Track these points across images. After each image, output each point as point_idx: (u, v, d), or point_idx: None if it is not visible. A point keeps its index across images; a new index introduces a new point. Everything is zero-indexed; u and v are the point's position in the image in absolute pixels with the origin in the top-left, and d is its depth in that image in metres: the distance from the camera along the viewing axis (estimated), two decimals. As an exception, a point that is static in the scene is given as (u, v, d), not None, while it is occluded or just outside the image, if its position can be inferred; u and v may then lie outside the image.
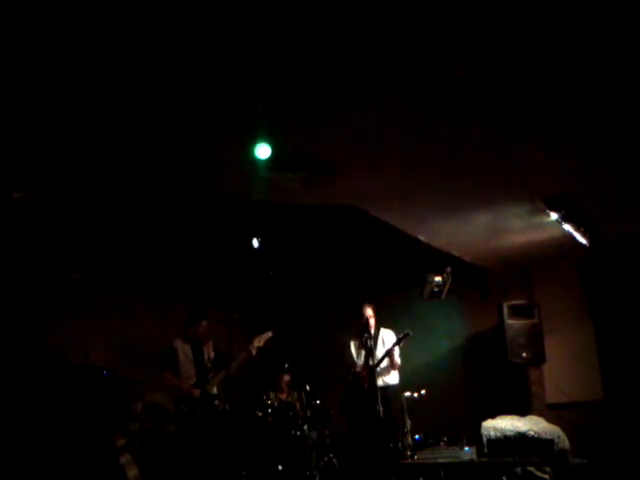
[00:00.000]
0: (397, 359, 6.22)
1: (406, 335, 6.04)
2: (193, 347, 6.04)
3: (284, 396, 7.11)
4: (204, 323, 6.10)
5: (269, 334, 6.16)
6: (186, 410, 5.71)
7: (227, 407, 5.86)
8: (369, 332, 6.15)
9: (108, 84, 3.39)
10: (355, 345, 6.40)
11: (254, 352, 5.96)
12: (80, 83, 3.36)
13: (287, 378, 7.22)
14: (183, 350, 6.00)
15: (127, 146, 4.17)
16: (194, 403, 5.73)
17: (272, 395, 6.96)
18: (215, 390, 5.91)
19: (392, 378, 6.20)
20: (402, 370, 6.35)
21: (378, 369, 6.01)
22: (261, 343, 6.07)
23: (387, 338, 6.30)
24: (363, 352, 6.22)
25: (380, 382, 5.91)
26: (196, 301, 7.68)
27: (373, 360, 5.95)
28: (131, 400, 6.40)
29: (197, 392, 5.78)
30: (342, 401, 6.32)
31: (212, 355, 6.07)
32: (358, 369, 6.21)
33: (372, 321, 6.27)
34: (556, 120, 3.97)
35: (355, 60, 3.23)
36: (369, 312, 6.30)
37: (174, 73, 3.33)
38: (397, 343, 6.08)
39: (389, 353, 6.11)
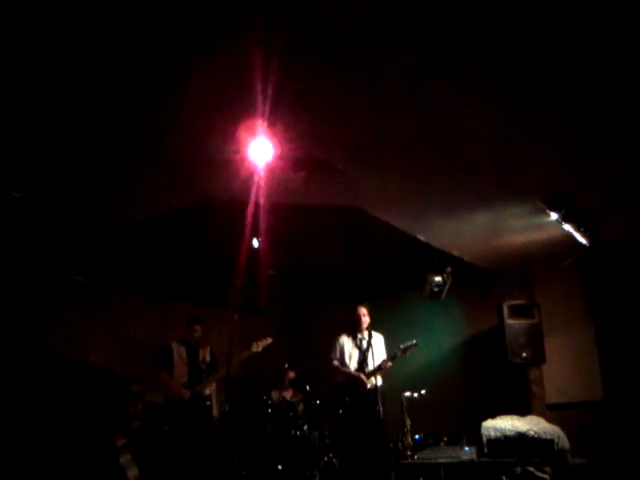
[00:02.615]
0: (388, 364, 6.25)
1: (414, 345, 6.07)
2: (189, 349, 6.11)
3: (289, 394, 7.09)
4: (197, 328, 6.16)
5: (268, 340, 6.20)
6: (174, 410, 5.75)
7: (227, 407, 5.87)
8: (362, 332, 6.20)
9: (108, 84, 3.39)
10: (348, 343, 6.40)
11: (244, 355, 6.00)
12: (80, 81, 3.36)
13: (292, 375, 7.19)
14: (178, 351, 6.07)
15: (128, 147, 4.16)
16: (182, 404, 5.76)
17: (275, 393, 6.96)
18: (208, 391, 5.96)
19: (379, 379, 6.21)
20: (402, 370, 6.37)
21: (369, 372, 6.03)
22: (259, 349, 6.11)
23: (378, 343, 6.31)
24: (355, 353, 6.25)
25: (369, 385, 5.95)
26: (196, 301, 7.69)
27: (367, 364, 5.99)
28: (131, 400, 6.42)
29: (186, 393, 5.82)
30: (331, 399, 6.32)
31: (208, 358, 6.12)
32: (351, 371, 6.20)
33: (365, 320, 6.29)
34: (556, 120, 3.97)
35: (352, 65, 3.24)
36: (362, 311, 6.33)
37: (175, 72, 3.33)
38: (403, 351, 6.09)
39: (386, 362, 6.11)
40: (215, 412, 5.99)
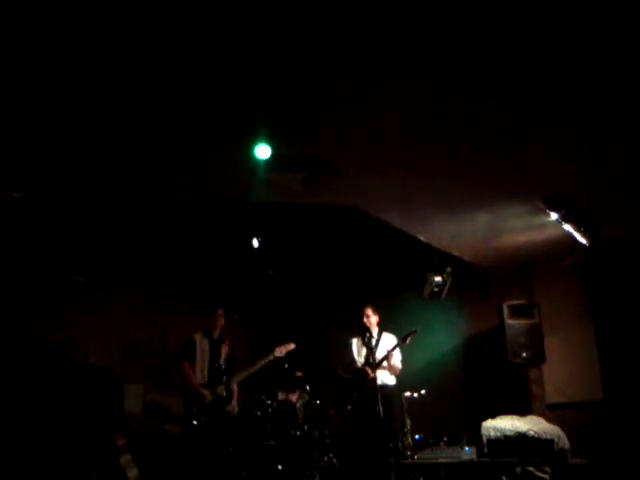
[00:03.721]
0: (398, 364, 6.27)
1: (412, 333, 6.10)
2: (211, 344, 6.06)
3: (295, 397, 7.07)
4: (219, 312, 6.11)
5: (292, 346, 6.21)
6: (196, 412, 5.70)
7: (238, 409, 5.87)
8: (370, 332, 6.24)
9: (109, 85, 3.39)
10: (357, 343, 6.45)
11: (267, 360, 6.05)
12: (80, 83, 3.36)
13: (299, 374, 7.16)
14: (202, 345, 6.02)
15: (128, 147, 4.17)
16: (204, 405, 5.73)
17: (281, 394, 6.94)
18: (225, 393, 5.89)
19: (390, 379, 6.23)
20: (403, 370, 6.37)
21: (378, 371, 6.04)
22: (282, 354, 6.11)
23: (388, 342, 6.32)
24: (364, 351, 6.29)
25: (378, 381, 5.94)
26: (196, 301, 7.69)
27: (374, 359, 6.01)
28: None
29: (208, 395, 5.77)
30: (338, 397, 6.35)
31: (229, 356, 6.07)
32: (359, 366, 6.25)
33: (373, 320, 6.34)
34: (556, 120, 3.97)
35: (353, 66, 3.25)
36: (369, 312, 6.38)
37: (174, 72, 3.33)
38: (403, 340, 6.12)
39: (391, 352, 6.15)
40: (235, 413, 5.92)
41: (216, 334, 6.10)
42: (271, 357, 6.08)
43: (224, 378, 5.88)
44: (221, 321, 6.12)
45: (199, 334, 6.07)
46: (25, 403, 5.89)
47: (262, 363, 6.02)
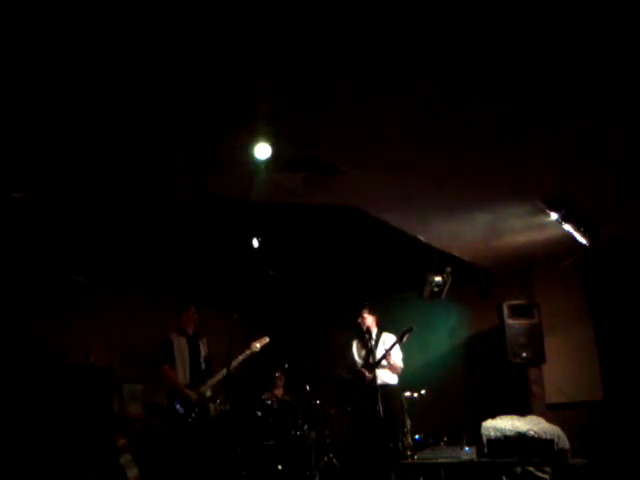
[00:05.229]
0: (398, 362, 6.27)
1: (409, 330, 6.10)
2: (189, 342, 6.06)
3: (280, 392, 7.10)
4: (192, 308, 6.15)
5: (266, 340, 6.22)
6: (183, 411, 5.71)
7: (226, 407, 5.86)
8: (369, 333, 6.25)
9: (108, 83, 3.39)
10: (357, 344, 6.46)
11: (244, 356, 6.03)
12: (79, 82, 3.36)
13: (279, 374, 7.22)
14: (179, 344, 6.01)
15: (127, 146, 4.17)
16: (190, 405, 5.73)
17: (267, 395, 6.97)
18: (209, 392, 5.91)
19: (391, 378, 6.23)
20: (403, 370, 6.37)
21: (378, 370, 6.04)
22: (258, 349, 6.12)
23: (388, 342, 6.32)
24: (363, 352, 6.31)
25: (379, 381, 5.95)
26: (196, 302, 7.69)
27: (374, 359, 6.02)
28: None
29: (194, 395, 5.76)
30: (339, 398, 6.36)
31: (207, 354, 6.11)
32: (358, 367, 6.26)
33: (368, 321, 6.36)
34: (556, 121, 3.97)
35: (354, 66, 3.25)
36: (364, 314, 6.41)
37: (174, 72, 3.33)
38: (400, 338, 6.13)
39: (389, 351, 6.15)
40: (212, 413, 5.94)
41: (190, 331, 6.12)
42: (248, 352, 6.06)
43: (206, 378, 5.89)
44: (194, 317, 6.15)
45: (174, 334, 6.07)
46: (25, 403, 5.88)
47: (241, 359, 5.99)
